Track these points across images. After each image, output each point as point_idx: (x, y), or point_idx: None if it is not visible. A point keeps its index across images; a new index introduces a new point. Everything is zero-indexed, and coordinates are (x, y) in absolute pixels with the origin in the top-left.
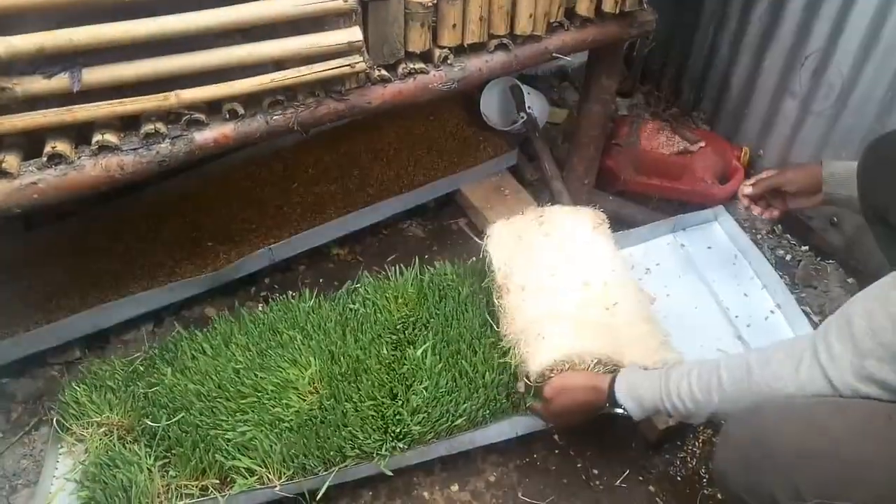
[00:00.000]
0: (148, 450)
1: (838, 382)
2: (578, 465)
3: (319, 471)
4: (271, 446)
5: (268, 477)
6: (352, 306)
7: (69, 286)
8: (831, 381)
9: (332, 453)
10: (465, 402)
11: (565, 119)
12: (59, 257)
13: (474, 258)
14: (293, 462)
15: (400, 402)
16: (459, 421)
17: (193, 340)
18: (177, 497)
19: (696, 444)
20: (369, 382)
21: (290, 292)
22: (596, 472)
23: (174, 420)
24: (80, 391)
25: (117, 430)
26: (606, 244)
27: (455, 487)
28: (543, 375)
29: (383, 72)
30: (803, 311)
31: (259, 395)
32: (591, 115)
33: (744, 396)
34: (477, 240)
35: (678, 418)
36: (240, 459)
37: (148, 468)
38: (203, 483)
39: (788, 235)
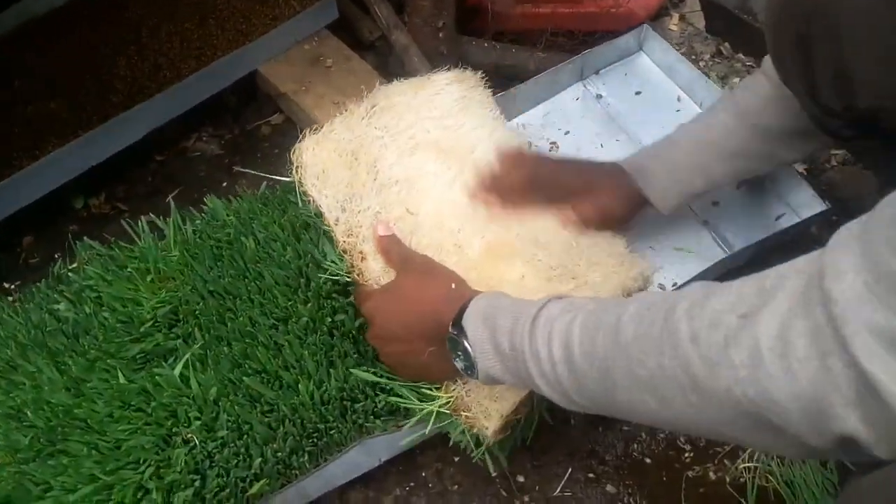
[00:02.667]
0: None
1: (849, 334)
2: (494, 476)
3: None
4: None
5: None
6: (56, 307)
7: None
8: (838, 328)
9: None
10: (258, 457)
11: None
12: None
13: (280, 176)
14: None
15: (149, 471)
16: (256, 487)
17: None
18: None
19: None
20: (85, 449)
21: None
22: (522, 479)
23: None
24: None
25: None
26: (486, 122)
27: None
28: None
29: None
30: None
31: None
32: None
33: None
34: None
35: (537, 387)
36: None
37: None
38: None
39: (742, 54)
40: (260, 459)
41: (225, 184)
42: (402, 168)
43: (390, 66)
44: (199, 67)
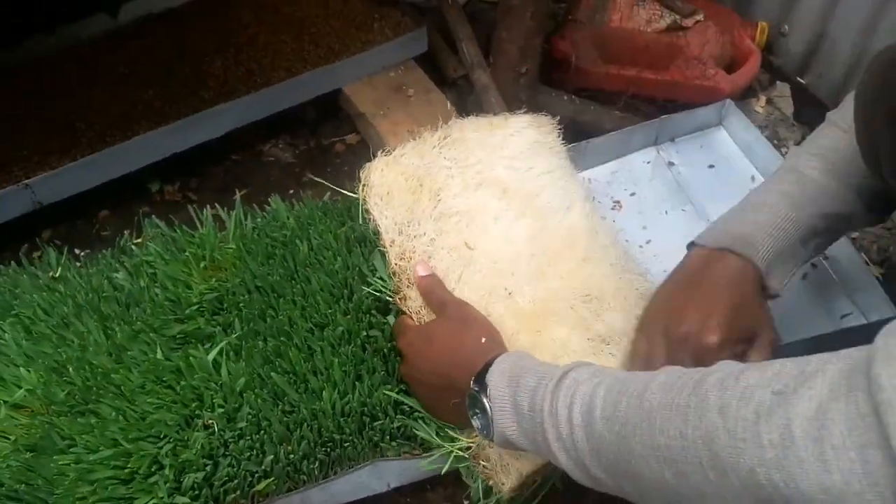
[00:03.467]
0: None
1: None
2: None
3: None
4: None
5: None
6: (115, 276)
7: None
8: (882, 417)
9: None
10: (278, 446)
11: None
12: None
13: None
14: None
15: (167, 448)
16: (263, 484)
17: None
18: None
19: None
20: (115, 414)
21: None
22: None
23: None
24: None
25: None
26: (555, 169)
27: None
28: (524, 484)
29: None
30: (863, 261)
31: None
32: None
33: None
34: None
35: (552, 453)
36: None
37: None
38: None
39: None
40: (272, 457)
41: (292, 191)
42: (465, 201)
43: (468, 105)
44: (288, 78)
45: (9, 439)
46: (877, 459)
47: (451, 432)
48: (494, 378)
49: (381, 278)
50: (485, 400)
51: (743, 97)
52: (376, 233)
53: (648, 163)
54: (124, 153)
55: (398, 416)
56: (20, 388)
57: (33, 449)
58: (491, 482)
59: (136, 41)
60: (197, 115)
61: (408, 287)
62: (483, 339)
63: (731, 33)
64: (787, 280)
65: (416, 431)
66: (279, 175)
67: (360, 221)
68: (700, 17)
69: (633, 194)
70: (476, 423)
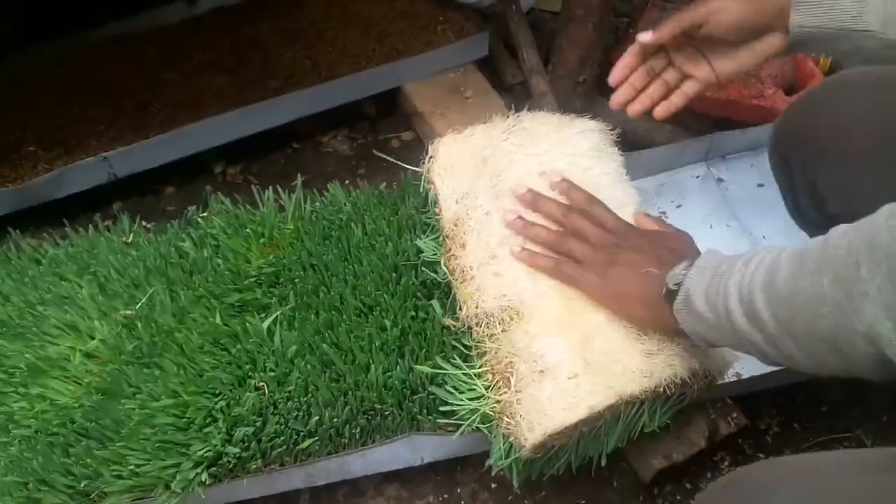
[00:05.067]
0: None
1: None
2: None
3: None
4: None
5: None
6: (181, 244)
7: None
8: None
9: (83, 483)
10: (316, 416)
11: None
12: None
13: (396, 183)
14: (20, 493)
15: (221, 403)
16: (307, 443)
17: None
18: None
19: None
20: (176, 368)
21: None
22: None
23: None
24: None
25: None
26: (612, 174)
27: None
28: (545, 444)
29: None
30: None
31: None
32: None
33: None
34: (411, 167)
35: (729, 312)
36: None
37: None
38: None
39: None
40: (317, 419)
41: (347, 181)
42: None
43: (524, 110)
44: (351, 73)
45: (81, 383)
46: None
47: (481, 393)
48: (700, 263)
49: (433, 250)
50: (692, 270)
51: None
52: (434, 202)
53: (697, 177)
54: (193, 134)
55: (432, 387)
56: (93, 338)
57: (103, 393)
58: (513, 439)
59: (211, 30)
60: (263, 102)
61: (461, 247)
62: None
63: (794, 55)
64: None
65: (448, 399)
66: (336, 166)
67: (422, 190)
68: None
69: (679, 206)
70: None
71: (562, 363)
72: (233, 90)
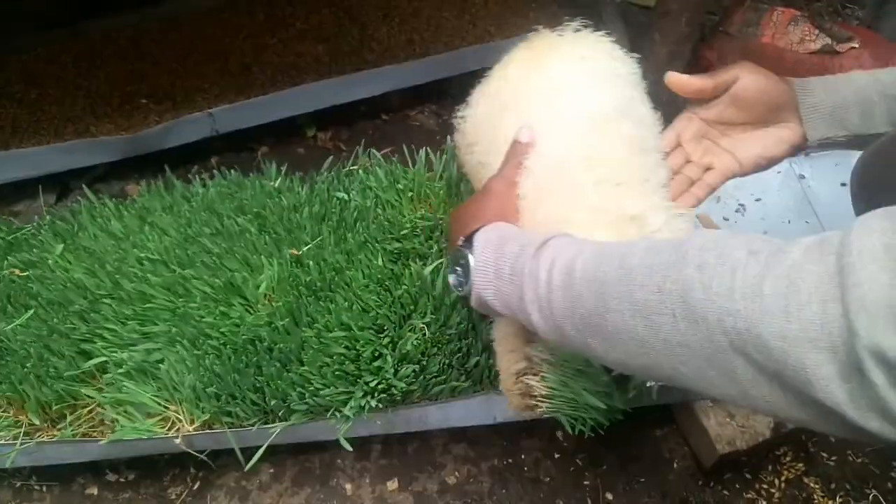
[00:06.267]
0: None
1: (862, 331)
2: (586, 484)
3: (255, 423)
4: (183, 375)
5: (178, 418)
6: (340, 195)
7: None
8: (851, 322)
9: (272, 402)
10: (476, 357)
11: (657, 4)
12: None
13: None
14: (214, 403)
15: (386, 340)
16: (467, 383)
17: (100, 212)
18: None
19: (778, 480)
20: (346, 303)
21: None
22: (610, 497)
23: (20, 320)
24: None
25: None
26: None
27: (393, 484)
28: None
29: None
30: None
31: (177, 300)
32: None
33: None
34: None
35: (525, 312)
36: (132, 392)
37: None
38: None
39: None
40: (477, 359)
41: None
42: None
43: None
44: (446, 51)
45: (259, 310)
46: (835, 312)
47: None
48: (480, 243)
49: None
50: (470, 258)
51: None
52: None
53: (779, 172)
54: (292, 98)
55: None
56: (263, 272)
57: (289, 314)
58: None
59: (316, 2)
60: (359, 73)
61: None
62: (492, 214)
63: (886, 61)
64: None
65: None
66: (422, 139)
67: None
68: (855, 44)
69: (758, 200)
70: (452, 279)
71: None
72: (330, 59)
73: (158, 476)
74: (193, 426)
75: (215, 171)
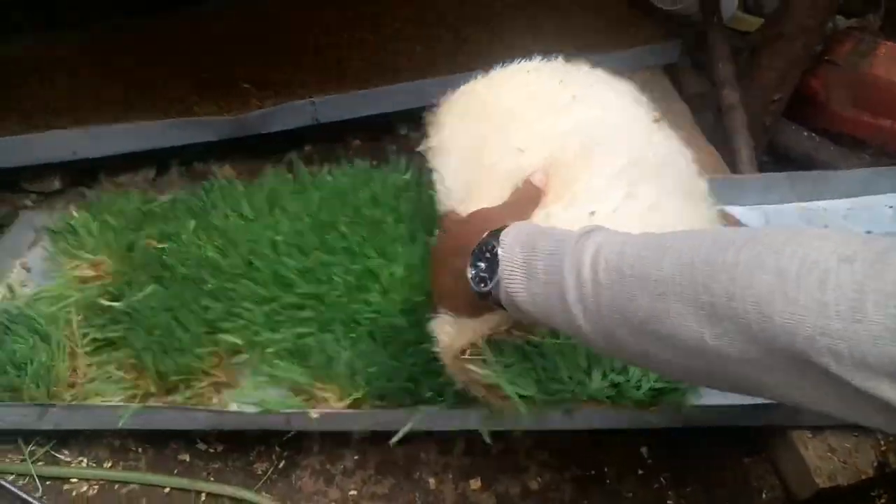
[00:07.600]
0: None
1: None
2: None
3: (407, 402)
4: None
5: (324, 397)
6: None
7: (68, 101)
8: None
9: (428, 394)
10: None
11: (757, 31)
12: (78, 67)
13: None
14: (365, 386)
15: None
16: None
17: (232, 191)
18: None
19: None
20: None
21: None
22: None
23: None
24: (81, 220)
25: (100, 282)
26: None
27: (476, 483)
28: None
29: None
30: None
31: (320, 286)
32: None
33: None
34: None
35: (567, 308)
36: (288, 369)
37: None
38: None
39: None
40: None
41: None
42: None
43: (703, 118)
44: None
45: (397, 298)
46: None
47: None
48: (508, 241)
49: None
50: (499, 250)
51: None
52: None
53: (892, 207)
54: (388, 95)
55: None
56: (398, 260)
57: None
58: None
59: (412, 4)
60: (455, 76)
61: None
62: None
63: None
64: None
65: None
66: None
67: None
68: None
69: (868, 232)
70: (471, 273)
71: None
72: (425, 59)
73: (245, 451)
74: (343, 403)
75: (346, 161)
